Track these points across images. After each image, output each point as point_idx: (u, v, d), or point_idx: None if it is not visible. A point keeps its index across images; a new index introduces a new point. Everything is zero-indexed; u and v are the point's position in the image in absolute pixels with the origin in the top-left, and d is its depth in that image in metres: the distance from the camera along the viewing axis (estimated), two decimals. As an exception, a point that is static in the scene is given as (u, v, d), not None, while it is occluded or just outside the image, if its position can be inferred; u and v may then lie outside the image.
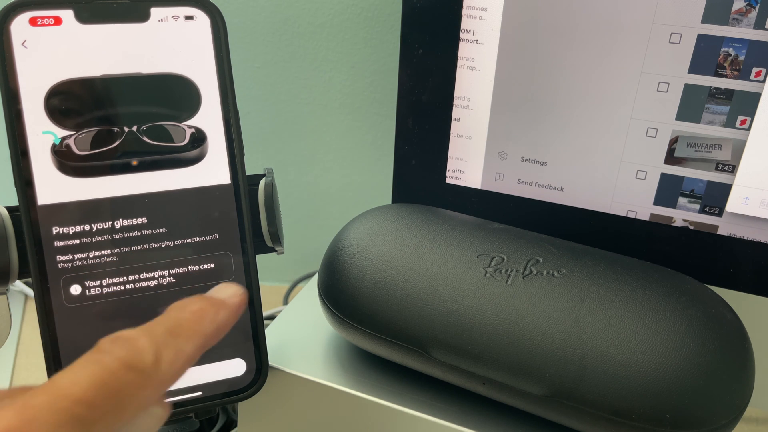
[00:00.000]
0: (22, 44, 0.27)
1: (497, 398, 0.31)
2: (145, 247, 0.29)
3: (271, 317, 0.56)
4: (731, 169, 0.35)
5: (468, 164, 0.41)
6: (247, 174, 0.30)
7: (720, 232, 0.37)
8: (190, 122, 0.29)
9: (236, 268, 0.30)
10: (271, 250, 0.32)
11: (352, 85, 0.56)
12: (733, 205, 0.36)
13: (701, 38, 0.33)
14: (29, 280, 0.27)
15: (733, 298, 0.35)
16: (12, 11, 0.26)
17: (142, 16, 0.28)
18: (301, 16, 0.53)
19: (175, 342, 0.20)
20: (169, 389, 0.29)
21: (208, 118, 0.29)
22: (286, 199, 0.60)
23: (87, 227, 0.28)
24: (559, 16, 0.36)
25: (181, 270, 0.29)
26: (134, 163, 0.28)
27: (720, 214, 0.36)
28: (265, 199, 0.31)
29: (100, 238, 0.28)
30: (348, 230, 0.35)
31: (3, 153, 0.29)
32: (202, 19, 0.29)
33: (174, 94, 0.29)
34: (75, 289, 0.28)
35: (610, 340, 0.28)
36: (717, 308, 0.30)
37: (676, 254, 0.38)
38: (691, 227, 0.37)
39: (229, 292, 0.23)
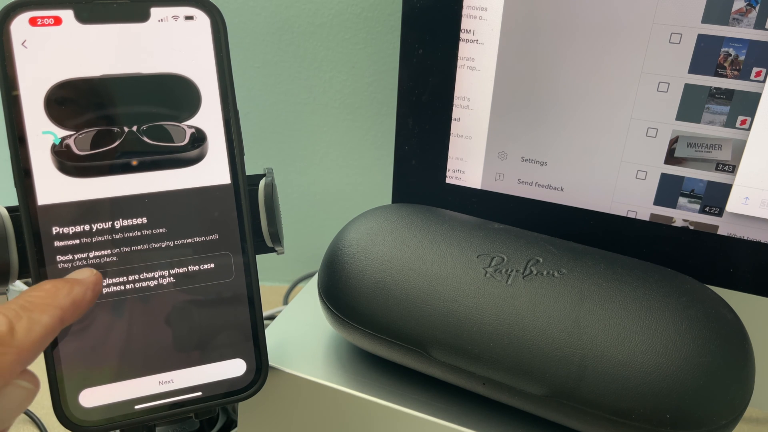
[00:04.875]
0: (22, 44, 0.27)
1: (497, 398, 0.31)
2: (145, 247, 0.29)
3: (271, 317, 0.56)
4: (731, 169, 0.35)
5: (468, 164, 0.41)
6: (247, 174, 0.30)
7: (720, 232, 0.37)
8: (190, 122, 0.29)
9: (236, 268, 0.30)
10: (271, 250, 0.32)
11: (352, 85, 0.56)
12: (733, 205, 0.36)
13: (701, 38, 0.33)
14: (29, 280, 0.27)
15: (733, 298, 0.35)
16: (12, 11, 0.26)
17: (142, 16, 0.28)
18: (301, 16, 0.53)
19: (29, 314, 0.22)
20: (169, 389, 0.30)
21: (208, 118, 0.29)
22: (286, 199, 0.60)
23: (87, 227, 0.28)
24: (559, 16, 0.36)
25: (181, 270, 0.29)
26: (134, 163, 0.28)
27: (720, 214, 0.36)
28: (265, 199, 0.31)
29: (100, 238, 0.28)
30: (348, 230, 0.35)
31: (3, 153, 0.29)
32: (202, 19, 0.29)
33: (174, 94, 0.29)
34: (75, 289, 0.28)
35: (610, 340, 0.28)
36: (717, 308, 0.30)
37: (676, 254, 0.38)
38: (691, 227, 0.37)
39: (84, 273, 0.26)
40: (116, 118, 0.28)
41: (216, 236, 0.30)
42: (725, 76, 0.34)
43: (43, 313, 0.22)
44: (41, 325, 0.22)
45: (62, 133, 0.27)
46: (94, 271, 0.26)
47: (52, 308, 0.22)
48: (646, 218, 0.38)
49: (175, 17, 0.28)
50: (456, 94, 0.40)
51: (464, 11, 0.38)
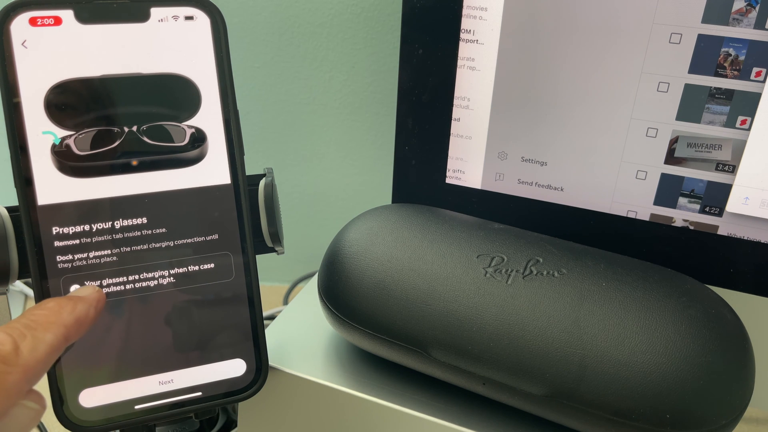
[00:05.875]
0: (22, 44, 0.27)
1: (497, 398, 0.31)
2: (145, 247, 0.29)
3: (271, 317, 0.56)
4: (731, 169, 0.35)
5: (468, 164, 0.41)
6: (247, 174, 0.30)
7: (720, 232, 0.37)
8: (190, 122, 0.29)
9: (236, 268, 0.30)
10: (271, 250, 0.32)
11: (352, 85, 0.56)
12: (733, 205, 0.36)
13: (701, 38, 0.33)
14: (29, 280, 0.27)
15: (733, 298, 0.35)
16: (12, 11, 0.26)
17: (142, 16, 0.28)
18: (301, 16, 0.53)
19: (33, 333, 0.21)
20: (169, 389, 0.30)
21: (208, 118, 0.29)
22: (286, 199, 0.60)
23: (87, 227, 0.28)
24: (559, 16, 0.36)
25: (181, 270, 0.29)
26: (134, 163, 0.28)
27: (720, 214, 0.36)
28: (265, 199, 0.31)
29: (100, 238, 0.28)
30: (348, 230, 0.35)
31: (3, 153, 0.29)
32: (202, 19, 0.29)
33: (174, 94, 0.29)
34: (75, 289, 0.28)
35: (610, 340, 0.28)
36: (717, 308, 0.30)
37: (676, 254, 0.38)
38: (692, 227, 0.37)
39: (87, 290, 0.26)
40: (116, 118, 0.28)
41: (216, 236, 0.30)
42: (725, 76, 0.34)
43: (47, 332, 0.22)
44: (46, 344, 0.21)
45: (62, 133, 0.27)
46: (96, 288, 0.26)
47: (56, 326, 0.22)
48: (646, 218, 0.38)
49: (175, 17, 0.28)
50: (456, 94, 0.40)
51: (464, 11, 0.38)
